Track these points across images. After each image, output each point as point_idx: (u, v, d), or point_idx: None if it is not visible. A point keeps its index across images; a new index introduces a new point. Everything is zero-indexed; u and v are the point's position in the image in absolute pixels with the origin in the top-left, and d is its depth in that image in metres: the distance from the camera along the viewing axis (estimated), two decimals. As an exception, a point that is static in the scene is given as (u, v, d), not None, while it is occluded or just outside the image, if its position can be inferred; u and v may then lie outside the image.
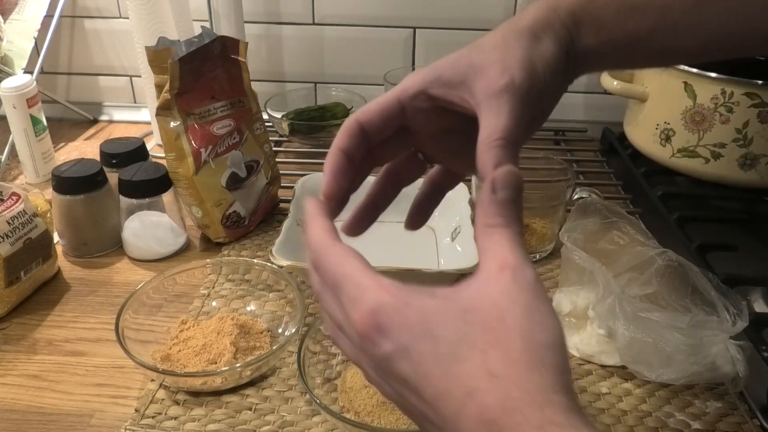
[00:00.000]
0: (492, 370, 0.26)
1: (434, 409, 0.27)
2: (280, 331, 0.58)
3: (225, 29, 0.91)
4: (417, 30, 0.99)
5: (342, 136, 0.38)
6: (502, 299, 0.28)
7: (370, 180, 0.42)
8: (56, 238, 0.69)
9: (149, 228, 0.69)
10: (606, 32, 0.39)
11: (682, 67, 0.74)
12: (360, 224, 0.43)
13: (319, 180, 0.74)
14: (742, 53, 0.43)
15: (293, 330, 0.54)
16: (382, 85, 0.92)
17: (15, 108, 0.81)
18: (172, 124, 0.66)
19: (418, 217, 0.45)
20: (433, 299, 0.29)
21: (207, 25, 0.90)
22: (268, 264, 0.61)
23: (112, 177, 0.69)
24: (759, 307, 0.60)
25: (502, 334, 0.27)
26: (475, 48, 0.38)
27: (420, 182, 0.44)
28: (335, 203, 0.37)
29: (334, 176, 0.37)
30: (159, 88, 0.66)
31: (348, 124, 0.38)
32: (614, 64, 0.48)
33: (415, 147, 0.42)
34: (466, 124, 0.38)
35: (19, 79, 0.81)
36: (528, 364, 0.26)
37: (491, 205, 0.31)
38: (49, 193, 0.68)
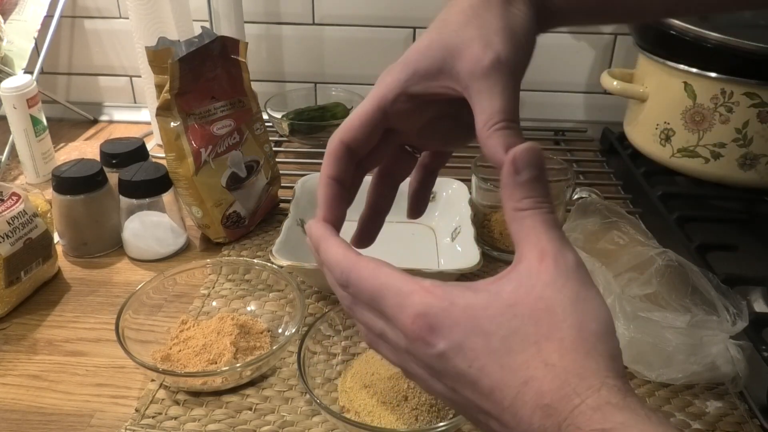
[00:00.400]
0: (547, 359, 0.27)
1: (491, 400, 0.28)
2: (280, 331, 0.58)
3: (225, 29, 0.91)
4: (417, 30, 0.99)
5: (329, 162, 0.37)
6: (547, 290, 0.28)
7: (367, 180, 0.42)
8: (56, 238, 0.69)
9: (149, 228, 0.69)
10: None
11: (682, 66, 0.74)
12: (368, 235, 0.42)
13: (318, 180, 0.74)
14: (708, 10, 0.42)
15: (293, 330, 0.54)
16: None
17: (15, 108, 0.81)
18: (172, 124, 0.66)
19: (418, 204, 0.44)
20: (477, 295, 0.29)
21: (207, 25, 0.90)
22: (268, 264, 0.61)
23: (112, 177, 0.69)
24: (759, 306, 0.60)
25: (554, 325, 0.27)
26: (443, 26, 0.36)
27: None
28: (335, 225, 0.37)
29: (330, 206, 0.36)
30: (159, 88, 0.66)
31: (333, 148, 0.37)
32: (584, 20, 0.46)
33: (402, 142, 0.41)
34: (450, 107, 0.37)
35: (19, 80, 0.81)
36: (583, 352, 0.26)
37: (516, 188, 0.30)
38: (50, 193, 0.68)
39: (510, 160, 0.30)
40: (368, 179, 0.42)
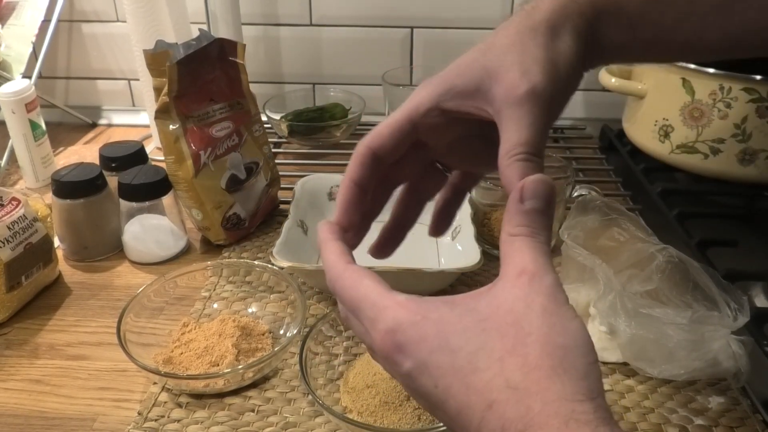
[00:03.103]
0: (510, 379, 0.25)
1: (459, 423, 0.27)
2: (281, 332, 0.58)
3: (222, 31, 0.91)
4: (414, 30, 0.99)
5: (354, 166, 0.36)
6: (517, 304, 0.27)
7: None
8: (57, 242, 0.69)
9: (149, 231, 0.69)
10: (628, 22, 0.37)
11: (680, 63, 0.74)
12: (387, 246, 0.42)
13: (319, 181, 0.75)
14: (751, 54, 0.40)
15: (295, 331, 0.54)
16: (381, 85, 0.92)
17: (14, 113, 0.81)
18: (171, 126, 0.66)
19: (442, 223, 0.43)
20: (452, 309, 0.28)
21: (204, 27, 0.90)
22: (269, 265, 0.61)
23: (112, 181, 0.69)
24: (760, 302, 0.60)
25: (519, 340, 0.26)
26: (487, 49, 0.35)
27: None
28: (352, 234, 0.36)
29: (346, 210, 0.36)
30: (157, 91, 0.66)
31: (359, 152, 0.36)
32: (635, 57, 0.45)
33: (433, 158, 0.40)
34: (482, 127, 0.36)
35: (18, 84, 0.81)
36: (548, 370, 0.25)
37: (516, 214, 0.30)
38: (49, 197, 0.68)
39: (519, 187, 0.30)
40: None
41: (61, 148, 0.97)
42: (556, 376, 0.25)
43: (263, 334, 0.57)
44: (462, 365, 0.27)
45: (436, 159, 0.41)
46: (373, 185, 0.37)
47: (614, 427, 0.25)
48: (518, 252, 0.29)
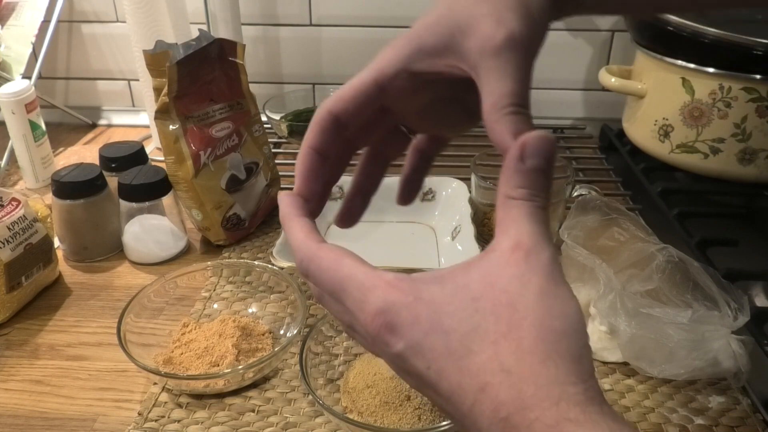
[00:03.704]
0: (504, 363, 0.25)
1: (451, 404, 0.27)
2: (282, 332, 0.58)
3: (222, 32, 0.91)
4: (414, 29, 0.99)
5: (313, 133, 0.34)
6: (512, 283, 0.26)
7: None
8: (57, 242, 0.69)
9: (149, 231, 0.69)
10: None
11: (680, 62, 0.74)
12: (352, 214, 0.39)
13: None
14: (732, 4, 0.39)
15: (295, 331, 0.54)
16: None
17: (14, 113, 0.81)
18: (171, 127, 0.66)
19: (408, 191, 0.41)
20: (443, 288, 0.27)
21: (204, 27, 0.90)
22: (269, 266, 0.61)
23: (112, 181, 0.69)
24: (760, 301, 0.60)
25: (514, 323, 0.25)
26: (454, 2, 0.33)
27: None
28: (313, 204, 0.35)
29: (306, 179, 0.34)
30: (157, 91, 0.66)
31: (319, 117, 0.34)
32: (600, 8, 0.42)
33: (398, 122, 0.38)
34: (454, 89, 0.34)
35: (18, 85, 0.81)
36: (541, 354, 0.25)
37: (515, 174, 0.28)
38: (49, 198, 0.68)
39: (519, 144, 0.28)
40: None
41: (61, 149, 0.97)
42: (551, 360, 0.25)
43: (263, 335, 0.57)
44: (455, 347, 0.26)
45: (403, 123, 0.39)
46: (334, 152, 0.35)
47: (603, 406, 0.24)
48: (515, 221, 0.27)
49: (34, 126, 0.82)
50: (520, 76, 0.30)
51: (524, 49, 0.31)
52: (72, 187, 0.66)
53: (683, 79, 0.75)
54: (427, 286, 0.28)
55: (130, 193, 0.67)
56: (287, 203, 0.33)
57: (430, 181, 0.75)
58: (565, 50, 0.98)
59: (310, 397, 0.49)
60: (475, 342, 0.26)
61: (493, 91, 0.30)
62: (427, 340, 0.27)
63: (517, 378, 0.25)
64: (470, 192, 0.72)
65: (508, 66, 0.30)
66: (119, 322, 0.53)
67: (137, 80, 0.99)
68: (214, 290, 0.64)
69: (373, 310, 0.28)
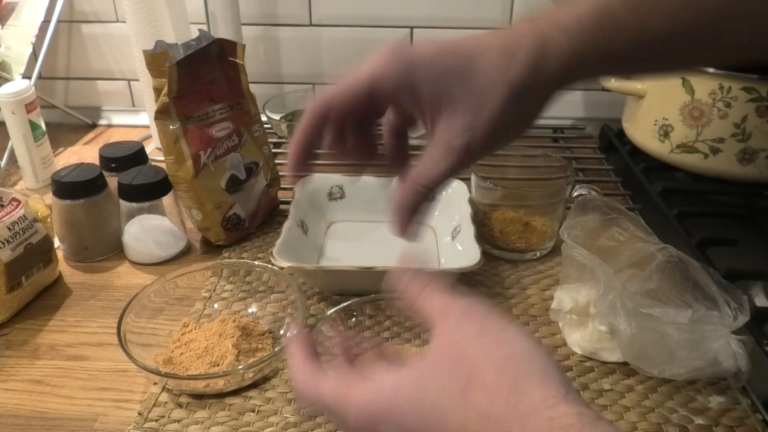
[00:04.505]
0: (479, 408, 0.26)
1: None
2: (282, 332, 0.58)
3: (222, 32, 0.91)
4: (414, 30, 0.99)
5: (307, 129, 0.39)
6: (454, 337, 0.29)
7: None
8: (57, 243, 0.69)
9: (150, 231, 0.69)
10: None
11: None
12: (301, 162, 0.42)
13: (319, 181, 0.75)
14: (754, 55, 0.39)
15: (295, 331, 0.54)
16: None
17: (14, 113, 0.81)
18: (171, 127, 0.66)
19: (401, 164, 0.42)
20: (400, 372, 0.30)
21: (204, 27, 0.90)
22: (269, 266, 0.61)
23: (112, 181, 0.69)
24: (760, 301, 0.60)
25: (469, 368, 0.27)
26: (474, 57, 0.36)
27: None
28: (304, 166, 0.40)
29: (298, 168, 0.40)
30: (157, 91, 0.66)
31: (314, 113, 0.38)
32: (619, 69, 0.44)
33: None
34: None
35: (18, 85, 0.81)
36: (507, 385, 0.26)
37: (411, 287, 0.33)
38: (49, 198, 0.68)
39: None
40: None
41: (61, 149, 0.97)
42: (520, 386, 0.26)
43: (263, 335, 0.57)
44: (431, 414, 0.28)
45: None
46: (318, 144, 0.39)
47: (599, 419, 0.25)
48: (428, 301, 0.32)
49: (34, 126, 0.82)
50: (448, 172, 0.36)
51: (471, 157, 0.36)
52: (72, 187, 0.66)
53: (683, 78, 0.75)
54: (381, 378, 0.30)
55: (130, 193, 0.67)
56: (295, 343, 0.36)
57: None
58: (565, 50, 0.98)
59: (310, 397, 0.49)
60: (445, 402, 0.27)
61: (425, 164, 0.36)
62: (405, 420, 0.28)
63: (497, 417, 0.26)
64: (470, 192, 0.72)
65: (446, 160, 0.36)
66: (119, 322, 0.54)
67: (137, 80, 0.99)
68: (214, 290, 0.64)
69: (354, 411, 0.30)
